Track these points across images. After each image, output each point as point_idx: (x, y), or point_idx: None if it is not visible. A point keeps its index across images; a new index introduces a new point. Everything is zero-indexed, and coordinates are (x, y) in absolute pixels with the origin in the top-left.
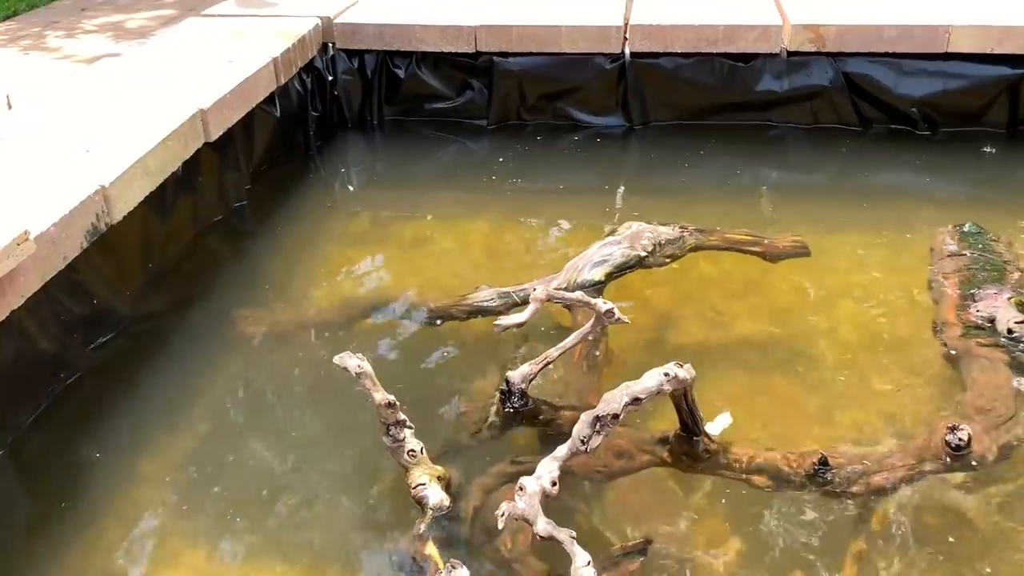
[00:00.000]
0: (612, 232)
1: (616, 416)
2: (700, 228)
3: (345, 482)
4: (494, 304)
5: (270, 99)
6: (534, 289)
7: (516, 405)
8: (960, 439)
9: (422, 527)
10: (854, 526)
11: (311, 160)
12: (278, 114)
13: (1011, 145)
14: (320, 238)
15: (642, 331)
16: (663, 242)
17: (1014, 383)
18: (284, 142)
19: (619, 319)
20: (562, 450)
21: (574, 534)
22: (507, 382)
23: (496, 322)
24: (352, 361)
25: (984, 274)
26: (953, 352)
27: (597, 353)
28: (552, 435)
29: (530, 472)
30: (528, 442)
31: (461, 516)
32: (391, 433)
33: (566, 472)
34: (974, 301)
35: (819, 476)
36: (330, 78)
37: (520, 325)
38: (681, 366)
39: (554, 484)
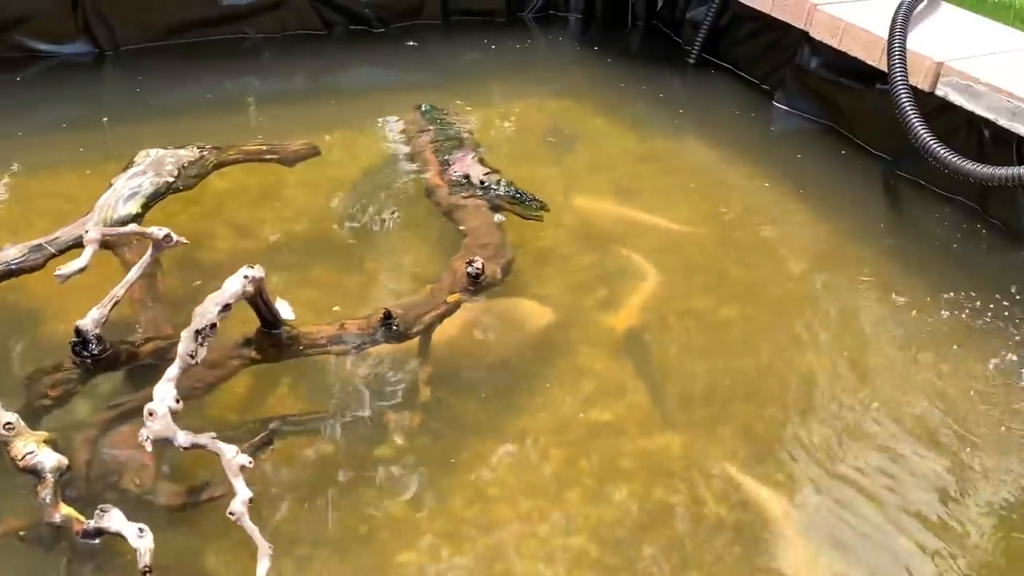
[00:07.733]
0: (129, 164)
1: (214, 325)
2: (216, 146)
3: None
4: (28, 261)
5: None
6: (86, 231)
7: (95, 352)
8: (477, 268)
9: (47, 494)
10: (420, 359)
11: None
12: None
13: (445, 35)
14: None
15: (175, 255)
16: (186, 164)
17: (495, 219)
18: None
19: (178, 241)
20: (173, 370)
21: (214, 435)
22: (78, 331)
23: (57, 272)
24: None
25: (449, 143)
26: (446, 208)
27: (158, 284)
28: (138, 370)
29: (131, 411)
30: (114, 385)
31: (75, 475)
32: None
33: None
34: (449, 165)
35: (388, 328)
36: None
37: (82, 271)
38: (252, 267)
39: (178, 401)
